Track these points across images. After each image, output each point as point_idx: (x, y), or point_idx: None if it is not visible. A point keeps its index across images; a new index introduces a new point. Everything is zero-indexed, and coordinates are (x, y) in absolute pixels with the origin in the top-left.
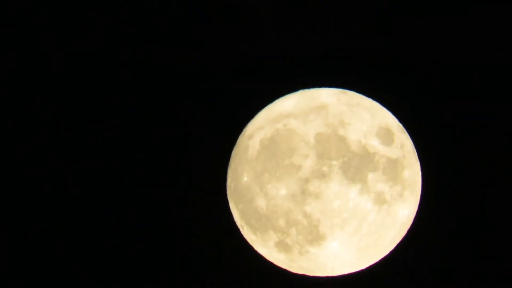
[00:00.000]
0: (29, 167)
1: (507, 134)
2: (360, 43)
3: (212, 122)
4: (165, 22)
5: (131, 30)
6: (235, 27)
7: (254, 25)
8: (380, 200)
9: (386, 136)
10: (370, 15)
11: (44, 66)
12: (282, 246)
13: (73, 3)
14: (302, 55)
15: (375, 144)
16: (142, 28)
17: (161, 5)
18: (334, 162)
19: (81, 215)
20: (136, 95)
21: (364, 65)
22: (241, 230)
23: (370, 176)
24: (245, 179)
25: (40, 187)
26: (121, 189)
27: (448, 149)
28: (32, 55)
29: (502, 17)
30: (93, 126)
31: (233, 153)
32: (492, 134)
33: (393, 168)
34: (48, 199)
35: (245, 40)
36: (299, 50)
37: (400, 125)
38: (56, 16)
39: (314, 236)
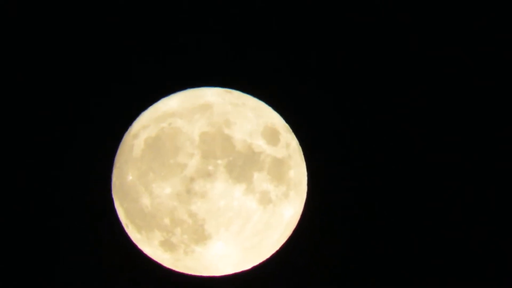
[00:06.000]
0: None
1: (391, 133)
2: (248, 43)
3: (97, 120)
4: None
5: None
6: (120, 27)
7: (139, 22)
8: (265, 200)
9: (272, 136)
10: (259, 16)
11: None
12: (167, 245)
13: None
14: (188, 54)
15: (260, 143)
16: None
17: None
18: (219, 162)
19: None
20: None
21: (251, 65)
22: (125, 228)
23: (255, 176)
24: (130, 178)
25: None
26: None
27: (333, 149)
28: None
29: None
30: None
31: (118, 151)
32: (378, 134)
33: (278, 168)
34: None
35: (130, 38)
36: (185, 48)
37: (286, 125)
38: None
39: (199, 235)
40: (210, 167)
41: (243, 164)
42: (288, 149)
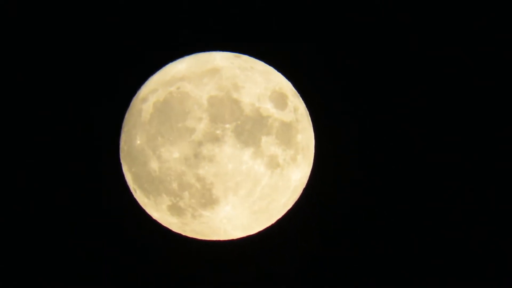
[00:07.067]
0: None
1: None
2: (256, 7)
3: (105, 84)
4: None
5: None
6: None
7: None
8: (273, 164)
9: (280, 100)
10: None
11: None
12: (175, 209)
13: None
14: (197, 18)
15: (268, 107)
16: None
17: None
18: (227, 126)
19: None
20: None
21: (259, 30)
22: (133, 193)
23: (264, 139)
24: (138, 142)
25: None
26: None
27: (341, 113)
28: None
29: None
30: None
31: (127, 116)
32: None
33: (286, 132)
34: None
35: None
36: (193, 12)
37: (294, 89)
38: None
39: (207, 199)
40: (218, 131)
41: (251, 128)
42: (296, 113)
